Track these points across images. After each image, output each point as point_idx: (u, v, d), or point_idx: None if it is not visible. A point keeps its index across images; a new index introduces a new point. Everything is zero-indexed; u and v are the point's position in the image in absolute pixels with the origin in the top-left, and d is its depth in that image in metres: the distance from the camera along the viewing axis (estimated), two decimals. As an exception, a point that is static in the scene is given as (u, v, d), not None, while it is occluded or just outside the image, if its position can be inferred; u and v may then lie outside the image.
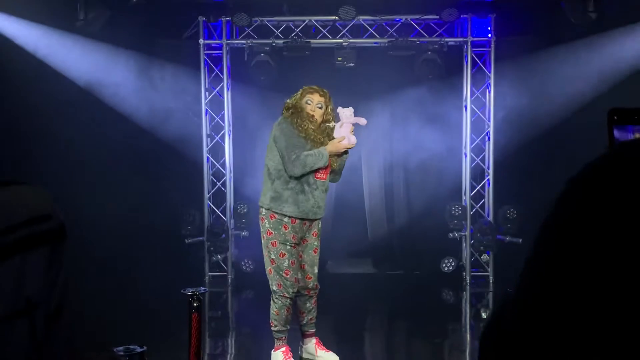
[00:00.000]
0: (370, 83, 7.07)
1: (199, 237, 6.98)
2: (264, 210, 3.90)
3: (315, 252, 4.03)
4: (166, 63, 6.89)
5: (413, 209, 7.38)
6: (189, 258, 6.94)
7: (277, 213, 3.85)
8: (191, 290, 3.85)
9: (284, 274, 3.88)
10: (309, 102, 3.91)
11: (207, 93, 6.99)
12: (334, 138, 3.88)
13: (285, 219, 3.85)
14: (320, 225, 4.04)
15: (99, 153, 6.42)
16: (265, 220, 3.88)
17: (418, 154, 7.15)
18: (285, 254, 3.87)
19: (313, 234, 3.99)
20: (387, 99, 7.18)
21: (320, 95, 3.96)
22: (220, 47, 6.91)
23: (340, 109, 3.87)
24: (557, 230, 0.64)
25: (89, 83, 6.50)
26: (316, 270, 4.05)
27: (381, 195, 7.49)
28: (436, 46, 6.71)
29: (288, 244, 3.87)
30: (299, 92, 3.99)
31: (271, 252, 3.87)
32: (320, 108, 3.93)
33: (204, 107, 6.95)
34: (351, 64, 6.76)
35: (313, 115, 3.90)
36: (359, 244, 7.39)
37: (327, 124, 3.97)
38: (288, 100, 3.99)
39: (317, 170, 3.85)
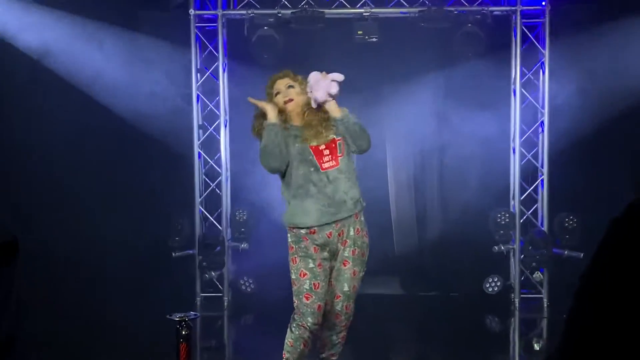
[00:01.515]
0: (397, 63, 7.06)
1: (189, 250, 7.00)
2: (286, 224, 4.05)
3: (345, 264, 3.99)
4: (149, 39, 6.91)
5: (449, 216, 7.38)
6: (177, 275, 6.96)
7: (293, 226, 3.96)
8: (179, 315, 3.87)
9: (303, 299, 3.88)
10: (277, 91, 4.08)
11: (198, 75, 7.01)
12: (327, 121, 3.97)
13: (303, 231, 3.92)
14: (357, 226, 3.99)
15: (67, 148, 6.46)
16: (289, 234, 4.00)
17: (455, 149, 7.13)
18: (307, 274, 3.88)
19: (343, 243, 3.97)
20: (417, 82, 7.16)
21: (282, 77, 4.13)
22: (214, 19, 6.94)
23: (309, 77, 3.98)
24: (603, 274, 0.65)
25: (53, 60, 6.54)
26: (347, 289, 4.02)
27: (410, 199, 7.49)
28: (478, 17, 6.69)
29: (311, 260, 3.90)
30: (268, 93, 4.16)
31: (292, 271, 3.93)
32: (293, 87, 4.08)
33: (194, 92, 6.98)
34: (374, 39, 6.75)
35: (290, 100, 4.03)
36: (383, 259, 7.36)
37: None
38: (255, 114, 4.14)
39: (319, 160, 3.91)
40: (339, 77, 3.88)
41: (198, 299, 6.98)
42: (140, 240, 6.75)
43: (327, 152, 3.92)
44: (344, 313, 4.05)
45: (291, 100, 4.04)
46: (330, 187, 3.89)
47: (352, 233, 3.98)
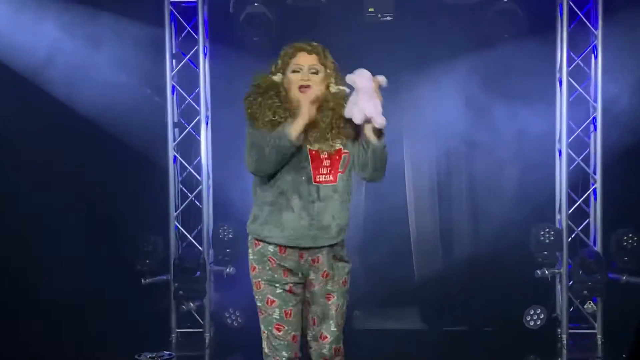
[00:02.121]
0: (416, 47, 7.05)
1: (162, 276, 6.99)
2: (249, 234, 3.94)
3: (329, 298, 3.93)
4: (114, 17, 6.91)
5: (481, 234, 7.36)
6: (147, 307, 6.94)
7: (259, 239, 3.88)
8: (150, 355, 3.83)
9: (274, 330, 3.86)
10: (296, 67, 3.89)
11: (174, 61, 7.00)
12: (339, 127, 3.84)
13: (270, 248, 3.85)
14: (338, 255, 3.94)
15: (7, 148, 6.45)
16: (250, 249, 3.93)
17: (488, 151, 7.12)
18: (275, 301, 3.84)
19: (322, 274, 3.90)
20: (441, 70, 7.15)
21: (310, 52, 3.92)
22: (193, -6, 6.95)
23: (349, 77, 3.79)
24: None
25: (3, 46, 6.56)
26: (334, 327, 3.96)
27: (434, 213, 7.48)
28: (516, -11, 6.69)
29: (278, 285, 3.84)
30: (277, 62, 3.96)
31: (256, 297, 3.91)
32: (316, 73, 3.89)
33: (169, 83, 6.97)
34: (388, 18, 6.75)
35: (308, 87, 3.85)
36: (400, 287, 7.36)
37: (336, 92, 3.89)
38: (255, 84, 3.94)
39: (315, 170, 3.81)
40: (383, 80, 3.76)
41: (173, 335, 6.95)
42: (103, 263, 6.73)
43: (327, 162, 3.83)
44: (335, 357, 4.00)
45: (308, 87, 3.85)
46: (317, 205, 3.81)
47: (331, 261, 3.91)
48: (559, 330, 6.82)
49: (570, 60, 6.82)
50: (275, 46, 6.79)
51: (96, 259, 6.71)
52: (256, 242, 3.87)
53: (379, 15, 6.74)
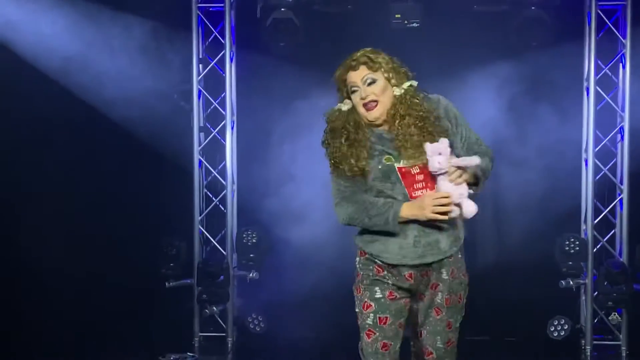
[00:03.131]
0: (442, 54, 7.03)
1: (186, 280, 7.00)
2: (357, 246, 3.81)
3: (437, 313, 3.77)
4: (142, 22, 6.94)
5: (505, 244, 7.35)
6: (171, 310, 6.96)
7: (366, 252, 3.73)
8: (174, 357, 3.83)
9: (365, 337, 3.72)
10: (353, 88, 3.63)
11: (200, 66, 7.02)
12: (429, 133, 3.53)
13: (378, 261, 3.69)
14: (451, 267, 3.71)
15: (38, 151, 6.49)
16: (357, 257, 3.76)
17: (513, 160, 7.07)
18: (371, 305, 3.68)
19: (432, 286, 3.70)
20: (467, 78, 7.13)
21: (356, 67, 3.62)
22: (221, -1, 6.98)
23: (429, 146, 3.46)
24: None
25: (16, 40, 6.59)
26: (440, 344, 3.83)
27: (458, 221, 7.43)
28: (544, -2, 6.66)
29: (379, 289, 3.68)
30: (338, 89, 3.71)
31: (356, 303, 3.75)
32: (372, 83, 3.61)
33: (195, 87, 6.99)
34: (415, 24, 6.73)
35: (374, 103, 3.58)
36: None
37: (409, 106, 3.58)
38: (327, 122, 3.72)
39: (409, 187, 3.56)
40: (475, 161, 3.47)
41: (196, 339, 6.96)
42: (127, 266, 6.74)
43: (420, 177, 3.57)
44: None
45: (374, 103, 3.61)
46: (424, 221, 3.56)
47: (444, 276, 3.70)
48: (583, 341, 6.78)
49: (598, 69, 6.79)
50: (301, 51, 6.86)
51: (121, 261, 6.73)
52: (362, 251, 3.74)
53: (406, 22, 6.72)
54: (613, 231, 6.96)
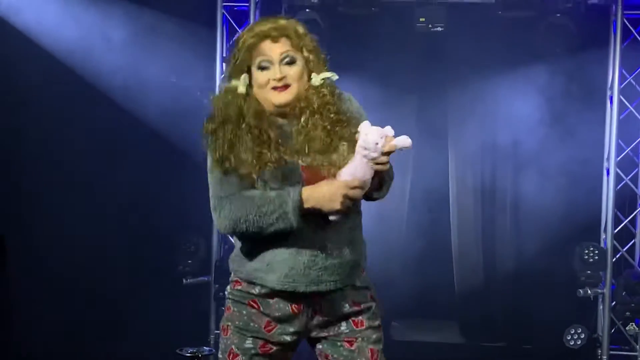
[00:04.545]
0: (466, 59, 7.01)
1: (203, 277, 7.01)
2: (231, 273, 3.07)
3: (349, 344, 3.01)
4: (166, 20, 6.96)
5: (524, 251, 7.29)
6: (188, 306, 6.97)
7: (242, 279, 2.98)
8: (191, 350, 3.83)
9: None
10: (264, 63, 2.87)
11: (224, 65, 7.04)
12: (340, 126, 2.88)
13: (255, 291, 2.95)
14: (353, 298, 2.98)
15: (62, 149, 6.52)
16: (229, 286, 3.06)
17: (534, 167, 7.06)
18: (237, 356, 2.98)
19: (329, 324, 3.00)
20: (492, 83, 7.11)
21: (277, 38, 2.87)
22: (246, -2, 6.98)
23: (363, 126, 2.78)
24: None
25: (55, 46, 6.64)
26: None
27: (477, 228, 7.43)
28: (569, 5, 6.63)
29: (249, 337, 2.97)
30: (233, 59, 2.93)
31: (220, 345, 3.06)
32: (291, 63, 2.88)
33: (218, 86, 7.00)
34: (439, 29, 6.72)
35: (285, 87, 2.86)
36: (440, 300, 7.33)
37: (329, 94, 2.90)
38: (213, 108, 2.93)
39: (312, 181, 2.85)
40: (406, 142, 2.78)
41: (212, 336, 6.97)
42: (146, 261, 6.77)
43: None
44: None
45: (286, 87, 2.88)
46: (321, 235, 2.88)
47: (346, 309, 2.98)
48: (600, 351, 6.76)
49: (622, 78, 6.77)
50: (326, 52, 6.84)
51: (139, 257, 6.76)
52: (236, 282, 3.00)
53: (430, 26, 6.71)
54: (633, 241, 6.94)
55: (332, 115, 2.87)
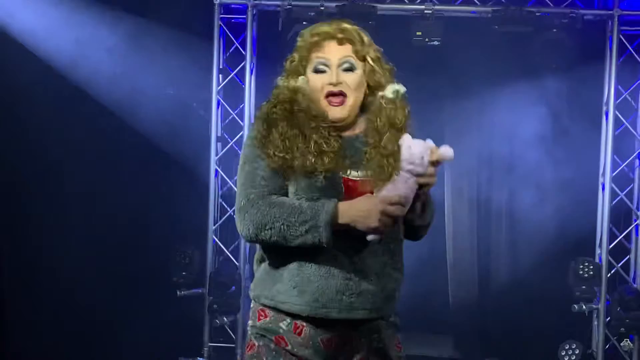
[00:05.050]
0: (462, 73, 7.03)
1: (197, 289, 6.99)
2: (252, 302, 2.83)
3: None
4: (164, 31, 6.97)
5: (519, 266, 7.31)
6: (181, 319, 6.96)
7: (268, 307, 2.73)
8: (185, 360, 3.81)
9: None
10: (320, 66, 2.71)
11: (220, 76, 7.03)
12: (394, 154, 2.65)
13: (284, 324, 2.71)
14: (386, 335, 2.81)
15: (57, 159, 6.52)
16: (250, 320, 2.81)
17: (530, 182, 7.06)
18: None
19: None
20: (486, 98, 7.13)
21: (341, 41, 2.72)
22: (244, 10, 6.97)
23: (405, 139, 2.60)
24: None
25: (49, 53, 6.63)
26: None
27: (472, 243, 7.44)
28: (565, 21, 6.64)
29: None
30: (292, 57, 2.79)
31: None
32: (349, 70, 2.70)
33: (214, 97, 6.99)
34: (436, 42, 6.73)
35: (341, 97, 2.69)
36: (435, 314, 7.31)
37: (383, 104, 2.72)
38: (277, 90, 2.77)
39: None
40: (449, 155, 2.62)
41: (205, 349, 6.93)
42: (140, 272, 6.75)
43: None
44: None
45: (342, 98, 2.70)
46: (356, 257, 2.67)
47: (376, 344, 2.78)
48: (594, 366, 6.74)
49: (617, 94, 6.78)
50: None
51: (133, 269, 6.74)
52: (261, 310, 2.75)
53: (427, 40, 6.73)
54: (628, 257, 6.90)
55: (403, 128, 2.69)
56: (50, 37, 6.58)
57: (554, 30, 6.66)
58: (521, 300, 7.08)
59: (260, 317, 2.73)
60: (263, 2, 6.96)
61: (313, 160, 2.63)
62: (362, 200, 2.59)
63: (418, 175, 2.56)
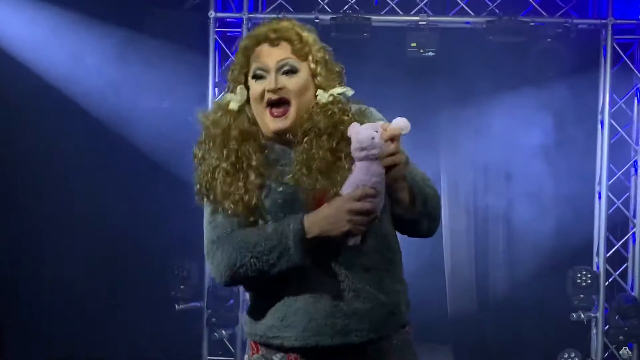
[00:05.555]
0: (457, 83, 7.04)
1: (195, 302, 6.98)
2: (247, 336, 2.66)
3: None
4: (159, 44, 6.98)
5: (517, 275, 7.30)
6: (179, 332, 6.95)
7: (259, 342, 2.54)
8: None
9: None
10: (258, 71, 2.47)
11: (216, 89, 7.04)
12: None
13: (278, 356, 2.50)
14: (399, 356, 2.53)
15: (52, 173, 6.52)
16: (246, 355, 2.67)
17: (526, 191, 7.06)
18: None
19: None
20: (482, 108, 7.14)
21: (275, 42, 2.46)
22: (239, 23, 6.99)
23: (352, 127, 2.36)
24: None
25: (44, 66, 6.64)
26: None
27: (469, 252, 7.43)
28: (559, 30, 6.67)
29: None
30: (232, 69, 2.55)
31: None
32: (291, 73, 2.45)
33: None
34: (430, 53, 6.75)
35: (283, 103, 2.45)
36: (433, 323, 7.28)
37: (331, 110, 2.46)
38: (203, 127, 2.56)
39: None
40: (404, 125, 2.36)
41: (204, 362, 6.96)
42: (137, 286, 6.74)
43: None
44: None
45: (285, 107, 2.45)
46: (343, 273, 2.43)
47: None
48: (593, 375, 6.74)
49: (612, 102, 6.79)
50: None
51: (131, 283, 6.73)
52: (253, 345, 2.57)
53: (421, 51, 6.73)
54: (625, 265, 6.91)
55: (340, 135, 2.40)
56: (44, 51, 6.60)
57: (549, 39, 6.68)
58: (519, 310, 7.07)
59: (254, 352, 2.55)
60: (258, 15, 6.98)
61: (255, 194, 2.41)
62: (327, 206, 2.33)
63: (376, 158, 2.28)
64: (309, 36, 2.50)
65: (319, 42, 2.53)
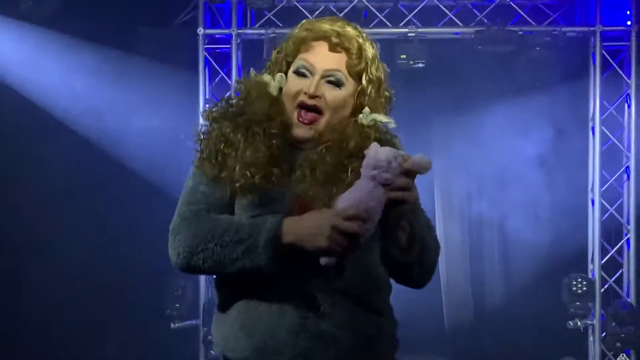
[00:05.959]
0: (447, 94, 7.06)
1: (191, 321, 6.95)
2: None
3: None
4: (148, 62, 6.98)
5: (513, 283, 7.31)
6: (176, 351, 6.92)
7: (221, 353, 2.38)
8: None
9: None
10: (302, 69, 2.31)
11: (207, 106, 7.04)
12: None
13: None
14: None
15: (41, 192, 6.50)
16: None
17: (520, 199, 7.07)
18: None
19: None
20: (472, 118, 7.15)
21: (335, 47, 2.28)
22: (228, 39, 7.00)
23: (372, 147, 2.18)
24: None
25: (31, 87, 6.64)
26: None
27: (465, 260, 7.43)
28: (548, 39, 6.68)
29: None
30: (277, 49, 2.39)
31: None
32: (334, 84, 2.29)
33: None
34: (420, 65, 6.76)
35: (314, 112, 2.29)
36: (430, 333, 7.28)
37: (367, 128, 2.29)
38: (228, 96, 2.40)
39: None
40: (424, 163, 2.21)
41: (201, 380, 6.93)
42: (132, 306, 6.72)
43: None
44: None
45: (316, 114, 2.29)
46: (318, 287, 2.26)
47: None
48: (591, 382, 6.72)
49: (603, 109, 6.81)
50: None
51: (126, 302, 6.71)
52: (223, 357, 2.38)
53: (411, 62, 6.74)
54: (621, 271, 6.90)
55: (359, 155, 2.21)
56: (31, 71, 6.59)
57: (537, 48, 6.70)
58: (516, 319, 7.07)
59: None
60: (247, 31, 7.00)
61: (241, 171, 2.22)
62: (312, 215, 2.13)
63: (386, 184, 2.10)
64: (370, 51, 2.33)
65: (378, 60, 2.37)
